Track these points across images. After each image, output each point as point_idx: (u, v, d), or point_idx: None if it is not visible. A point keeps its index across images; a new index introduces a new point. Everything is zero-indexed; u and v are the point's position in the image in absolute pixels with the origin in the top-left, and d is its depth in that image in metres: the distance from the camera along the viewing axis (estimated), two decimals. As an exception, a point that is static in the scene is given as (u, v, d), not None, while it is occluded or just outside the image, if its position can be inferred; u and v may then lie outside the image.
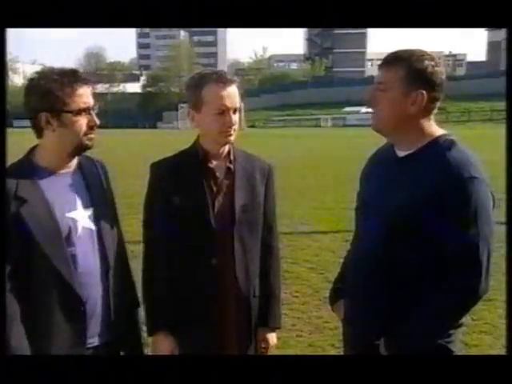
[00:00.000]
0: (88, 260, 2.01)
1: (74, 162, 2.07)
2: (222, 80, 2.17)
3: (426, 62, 1.91)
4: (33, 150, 2.03)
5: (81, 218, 2.02)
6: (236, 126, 2.22)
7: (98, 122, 2.01)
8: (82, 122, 1.97)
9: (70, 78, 1.94)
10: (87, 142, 2.00)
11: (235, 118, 2.20)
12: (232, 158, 2.31)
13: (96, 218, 2.05)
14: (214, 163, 2.27)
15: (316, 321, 4.82)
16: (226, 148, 2.30)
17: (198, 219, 2.22)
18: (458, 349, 2.02)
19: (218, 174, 2.27)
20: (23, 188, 1.90)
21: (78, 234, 1.99)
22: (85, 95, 1.97)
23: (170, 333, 2.25)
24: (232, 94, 2.18)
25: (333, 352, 4.13)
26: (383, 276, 1.98)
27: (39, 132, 1.98)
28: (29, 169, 1.97)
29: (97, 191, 2.10)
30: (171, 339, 2.25)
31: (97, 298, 2.02)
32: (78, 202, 2.03)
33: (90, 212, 2.05)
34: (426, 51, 1.97)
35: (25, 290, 1.89)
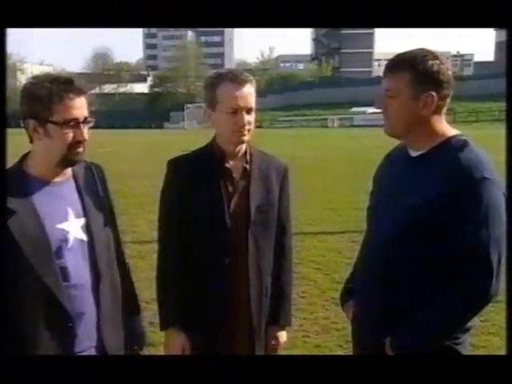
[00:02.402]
0: (79, 272, 1.93)
1: (68, 170, 1.98)
2: (236, 79, 2.18)
3: (431, 62, 1.88)
4: (24, 157, 1.95)
5: (72, 228, 1.93)
6: (250, 126, 2.22)
7: (86, 137, 1.89)
8: (68, 135, 1.85)
9: (61, 86, 1.82)
10: (74, 157, 1.90)
11: (249, 117, 2.20)
12: (248, 157, 2.31)
13: (89, 228, 1.97)
14: (230, 163, 2.28)
15: (323, 321, 4.82)
16: (243, 148, 2.30)
17: (214, 218, 2.23)
18: (467, 351, 2.01)
19: (234, 174, 2.28)
20: (12, 199, 1.80)
21: (69, 246, 1.91)
22: (75, 107, 1.84)
23: (181, 329, 2.27)
24: (246, 93, 2.18)
25: (340, 353, 4.13)
26: (393, 275, 1.97)
27: (30, 138, 1.90)
28: (19, 178, 1.88)
29: (91, 199, 2.01)
30: (183, 335, 2.27)
31: (89, 311, 1.95)
32: (70, 213, 1.94)
33: (82, 222, 1.96)
34: (429, 50, 1.94)
35: (13, 305, 1.80)
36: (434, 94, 1.89)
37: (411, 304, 1.93)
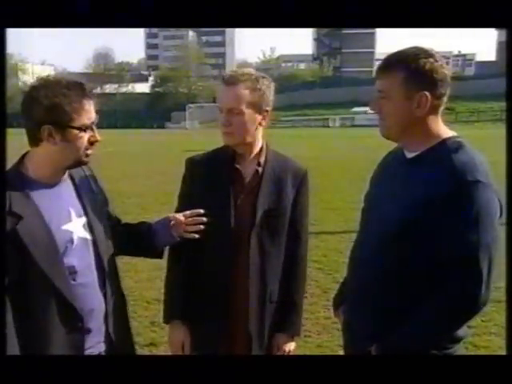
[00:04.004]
0: (86, 270, 1.96)
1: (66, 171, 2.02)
2: (224, 80, 2.21)
3: (423, 61, 1.82)
4: (22, 159, 1.95)
5: (76, 228, 1.96)
6: (229, 129, 2.20)
7: (99, 137, 1.95)
8: (85, 137, 1.91)
9: (77, 92, 1.87)
10: (85, 159, 1.96)
11: (231, 119, 2.18)
12: (262, 160, 2.29)
13: (90, 226, 2.00)
14: (241, 164, 2.28)
15: (324, 321, 4.82)
16: (256, 149, 2.29)
17: (218, 218, 2.22)
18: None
19: (244, 175, 2.27)
20: (17, 203, 1.82)
21: (74, 246, 1.94)
22: (90, 110, 1.91)
23: (183, 323, 2.31)
24: (228, 94, 2.19)
25: (341, 353, 4.11)
26: (387, 278, 1.92)
27: (36, 142, 1.90)
28: (20, 182, 1.88)
29: (88, 198, 2.04)
30: (184, 329, 2.31)
31: (96, 308, 1.98)
32: (72, 213, 1.97)
33: (83, 221, 1.99)
34: (422, 48, 1.88)
35: (23, 307, 1.81)
36: (427, 93, 1.83)
37: (399, 310, 1.88)
